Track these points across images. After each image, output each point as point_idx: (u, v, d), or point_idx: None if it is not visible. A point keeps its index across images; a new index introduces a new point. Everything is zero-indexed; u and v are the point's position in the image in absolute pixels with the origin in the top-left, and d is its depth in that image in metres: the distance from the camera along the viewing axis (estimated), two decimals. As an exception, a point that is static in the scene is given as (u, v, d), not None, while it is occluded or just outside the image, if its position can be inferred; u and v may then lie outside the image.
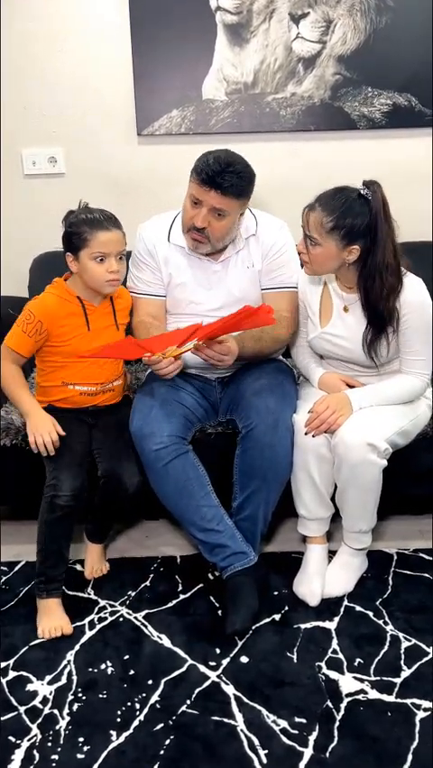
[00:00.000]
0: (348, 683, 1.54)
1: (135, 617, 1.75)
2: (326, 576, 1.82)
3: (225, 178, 1.72)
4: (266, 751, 1.38)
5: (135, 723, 1.45)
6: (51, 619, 1.69)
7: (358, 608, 1.77)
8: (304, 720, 1.45)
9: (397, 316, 1.73)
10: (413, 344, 1.76)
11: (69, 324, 1.76)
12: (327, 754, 1.37)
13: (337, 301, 1.84)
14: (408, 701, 1.49)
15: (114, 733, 1.43)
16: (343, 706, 1.48)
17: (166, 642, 1.67)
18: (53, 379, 1.81)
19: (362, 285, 1.73)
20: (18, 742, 1.41)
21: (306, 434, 1.73)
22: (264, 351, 1.89)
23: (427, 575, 1.88)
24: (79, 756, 1.38)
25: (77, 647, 1.66)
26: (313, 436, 1.73)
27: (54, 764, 1.36)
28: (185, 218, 1.83)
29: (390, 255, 1.68)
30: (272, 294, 1.94)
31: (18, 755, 1.38)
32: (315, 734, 1.42)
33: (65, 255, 1.75)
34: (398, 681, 1.54)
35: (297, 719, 1.45)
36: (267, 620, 1.73)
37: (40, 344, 1.77)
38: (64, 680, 1.57)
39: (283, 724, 1.44)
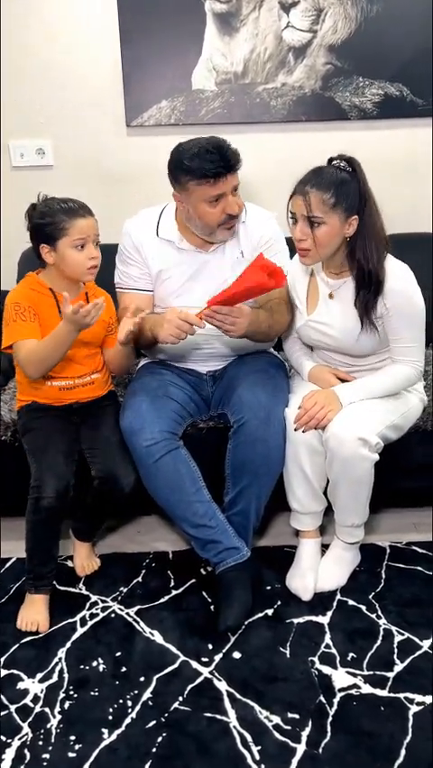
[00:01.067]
0: (341, 678, 1.53)
1: (127, 613, 1.74)
2: (319, 570, 1.82)
3: (230, 158, 1.73)
4: (259, 747, 1.38)
5: (127, 720, 1.44)
6: (32, 613, 1.69)
7: (351, 602, 1.76)
8: (297, 716, 1.44)
9: (383, 303, 1.71)
10: (400, 331, 1.74)
11: (43, 315, 1.74)
12: (321, 750, 1.37)
13: (324, 288, 1.83)
14: (401, 696, 1.48)
15: (105, 731, 1.42)
16: (336, 701, 1.48)
17: (158, 638, 1.66)
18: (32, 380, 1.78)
19: (357, 255, 1.70)
20: (9, 741, 1.40)
21: (295, 429, 1.72)
22: (274, 327, 1.87)
23: (420, 568, 1.88)
24: (71, 755, 1.37)
25: (68, 644, 1.65)
26: (303, 432, 1.72)
27: (46, 763, 1.35)
28: (211, 219, 1.78)
29: (376, 219, 1.71)
30: None
31: (9, 754, 1.37)
32: (308, 729, 1.41)
33: (37, 248, 1.72)
34: (391, 675, 1.54)
35: (290, 715, 1.45)
36: (260, 615, 1.72)
37: (37, 323, 1.72)
38: (55, 677, 1.55)
39: (276, 720, 1.44)
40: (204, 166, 1.69)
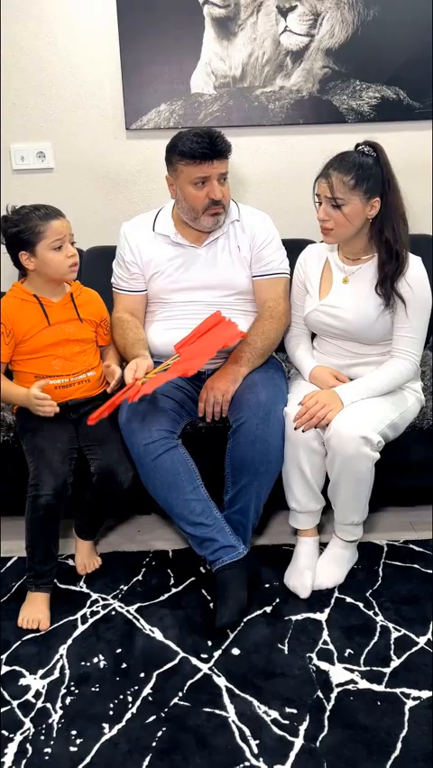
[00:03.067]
0: (338, 674, 1.55)
1: (128, 611, 1.76)
2: (316, 568, 1.83)
3: (219, 143, 1.80)
4: (257, 741, 1.40)
5: (128, 716, 1.46)
6: (32, 611, 1.71)
7: (349, 600, 1.78)
8: (295, 711, 1.46)
9: (407, 284, 1.77)
10: (406, 320, 1.78)
11: (30, 321, 1.80)
12: (318, 744, 1.39)
13: (338, 274, 1.87)
14: (397, 691, 1.50)
15: (106, 726, 1.44)
16: (333, 696, 1.50)
17: (158, 635, 1.68)
18: (26, 377, 1.83)
19: (384, 236, 1.76)
20: (11, 736, 1.42)
21: (295, 428, 1.74)
22: (271, 337, 1.94)
23: (416, 566, 1.90)
24: (72, 749, 1.39)
25: (69, 641, 1.67)
26: (303, 431, 1.74)
27: (47, 758, 1.37)
28: (195, 203, 1.86)
29: (400, 202, 1.77)
30: (266, 281, 1.98)
31: (11, 749, 1.39)
32: (306, 724, 1.43)
33: (16, 256, 1.76)
34: (387, 670, 1.56)
35: (288, 710, 1.47)
36: (258, 612, 1.74)
37: (12, 347, 1.80)
38: (57, 674, 1.57)
39: (274, 714, 1.46)
40: (192, 147, 1.79)
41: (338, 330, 1.86)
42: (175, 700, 1.49)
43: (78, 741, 1.41)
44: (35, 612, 1.71)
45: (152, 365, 1.80)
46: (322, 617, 1.73)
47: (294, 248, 2.04)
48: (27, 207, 1.76)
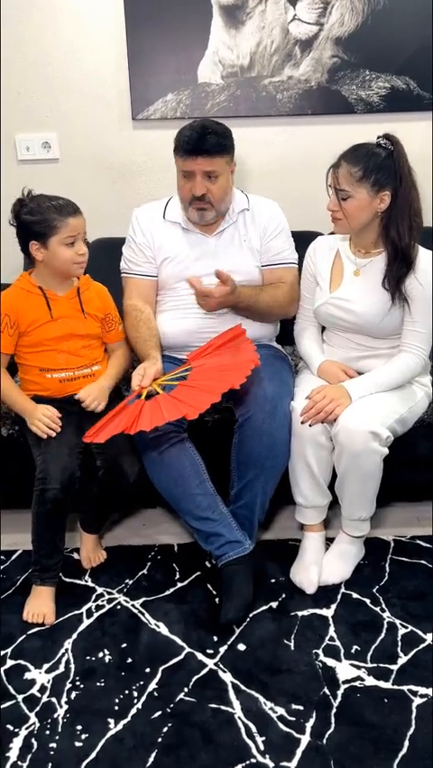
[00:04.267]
0: (345, 670, 1.55)
1: (133, 605, 1.76)
2: (323, 563, 1.82)
3: (207, 141, 1.79)
4: (263, 738, 1.39)
5: (133, 711, 1.46)
6: (38, 605, 1.71)
7: (355, 596, 1.77)
8: (301, 707, 1.46)
9: (416, 279, 1.75)
10: (415, 314, 1.77)
11: (33, 314, 1.78)
12: (324, 741, 1.38)
13: (349, 266, 1.86)
14: (404, 688, 1.49)
15: (111, 721, 1.43)
16: (340, 693, 1.49)
17: (164, 630, 1.67)
18: (30, 369, 1.82)
19: (390, 233, 1.75)
20: (16, 730, 1.42)
21: (302, 422, 1.73)
22: (275, 310, 1.96)
23: (423, 562, 1.89)
24: (78, 744, 1.38)
25: (74, 636, 1.66)
26: (310, 425, 1.72)
27: (52, 753, 1.37)
28: (182, 194, 1.89)
29: (415, 197, 1.75)
30: (275, 269, 1.98)
31: (16, 744, 1.39)
32: (312, 720, 1.42)
33: (27, 245, 1.74)
34: (394, 667, 1.55)
35: (294, 706, 1.46)
36: (264, 608, 1.73)
37: (15, 338, 1.78)
38: (62, 668, 1.57)
39: (280, 711, 1.45)
40: (182, 139, 1.82)
41: (349, 323, 1.84)
42: (181, 696, 1.49)
43: (83, 736, 1.40)
44: (41, 606, 1.71)
45: (161, 370, 1.79)
46: (328, 612, 1.72)
47: (302, 240, 2.02)
48: (46, 198, 1.73)
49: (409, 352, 1.79)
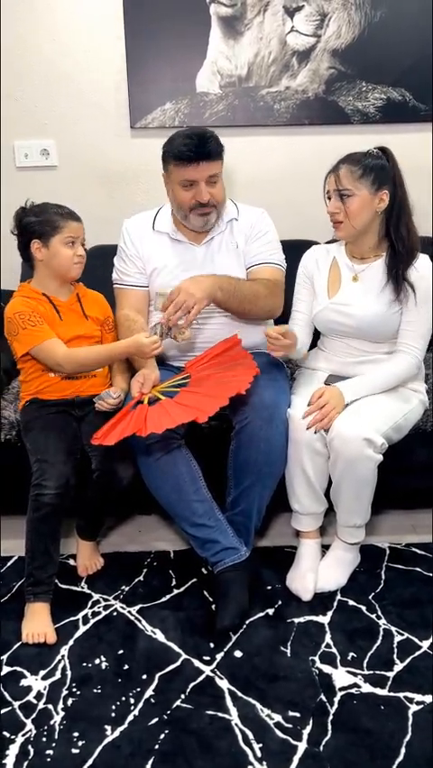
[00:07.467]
0: (342, 677, 1.55)
1: (129, 612, 1.75)
2: (319, 571, 1.83)
3: (208, 145, 1.81)
4: (260, 745, 1.39)
5: (130, 718, 1.45)
6: (36, 625, 1.67)
7: (351, 603, 1.77)
8: (298, 714, 1.46)
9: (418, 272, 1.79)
10: (412, 314, 1.79)
11: (46, 318, 1.80)
12: (321, 748, 1.38)
13: (347, 272, 1.88)
14: (401, 695, 1.50)
15: (108, 728, 1.43)
16: (336, 700, 1.49)
17: (160, 636, 1.67)
18: (34, 369, 1.82)
19: (391, 234, 1.79)
20: (13, 737, 1.41)
21: (307, 428, 1.73)
22: (259, 303, 1.88)
23: (419, 569, 1.89)
24: (74, 751, 1.38)
25: (71, 642, 1.66)
26: (315, 432, 1.73)
27: (49, 760, 1.36)
28: (182, 203, 1.88)
29: (408, 201, 1.81)
30: (257, 270, 1.97)
31: (13, 750, 1.38)
32: (309, 727, 1.43)
33: (29, 245, 1.78)
34: (391, 674, 1.55)
35: (291, 713, 1.46)
36: (261, 615, 1.74)
37: (45, 325, 1.79)
38: (58, 675, 1.56)
39: (277, 718, 1.45)
40: (180, 149, 1.80)
41: (349, 328, 1.86)
42: (177, 703, 1.49)
43: (80, 743, 1.40)
44: (39, 626, 1.67)
45: (159, 377, 1.79)
46: (324, 619, 1.72)
47: (298, 249, 2.03)
48: (49, 204, 1.80)
49: (405, 353, 1.81)
